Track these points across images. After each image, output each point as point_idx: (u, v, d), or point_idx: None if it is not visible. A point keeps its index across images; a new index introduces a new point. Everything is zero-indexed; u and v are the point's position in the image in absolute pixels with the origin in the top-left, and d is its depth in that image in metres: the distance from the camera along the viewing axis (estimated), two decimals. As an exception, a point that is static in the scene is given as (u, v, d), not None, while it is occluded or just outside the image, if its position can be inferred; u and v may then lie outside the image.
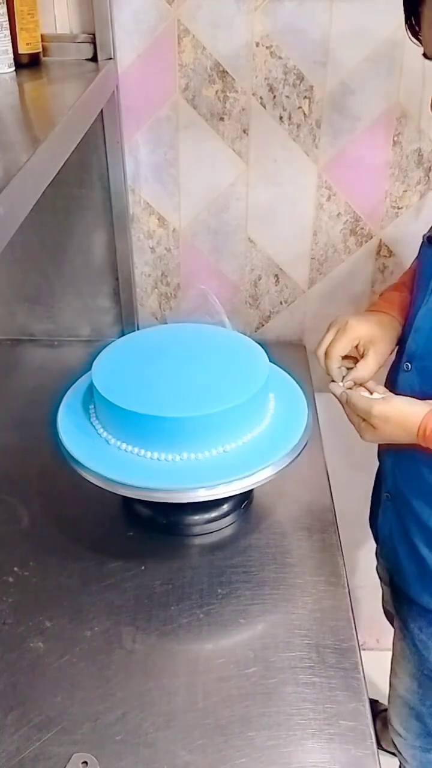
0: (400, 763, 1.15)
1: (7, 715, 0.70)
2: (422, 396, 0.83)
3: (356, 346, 0.89)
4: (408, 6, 0.76)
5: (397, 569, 0.99)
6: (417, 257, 0.94)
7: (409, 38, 0.78)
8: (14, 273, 1.28)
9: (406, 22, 0.77)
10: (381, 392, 0.86)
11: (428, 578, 0.93)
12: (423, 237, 0.90)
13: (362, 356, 0.89)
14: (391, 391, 0.89)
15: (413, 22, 0.76)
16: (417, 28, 0.76)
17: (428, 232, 0.89)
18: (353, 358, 0.91)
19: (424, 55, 0.75)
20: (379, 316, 0.93)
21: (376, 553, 1.11)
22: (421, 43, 0.76)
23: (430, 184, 1.16)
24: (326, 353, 0.89)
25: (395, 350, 0.93)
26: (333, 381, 0.88)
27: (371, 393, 0.86)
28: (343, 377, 0.88)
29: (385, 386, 0.92)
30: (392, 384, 0.92)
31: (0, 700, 0.72)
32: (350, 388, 0.87)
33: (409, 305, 0.93)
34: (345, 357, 0.90)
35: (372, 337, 0.89)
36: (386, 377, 0.94)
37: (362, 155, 1.14)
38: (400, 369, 0.89)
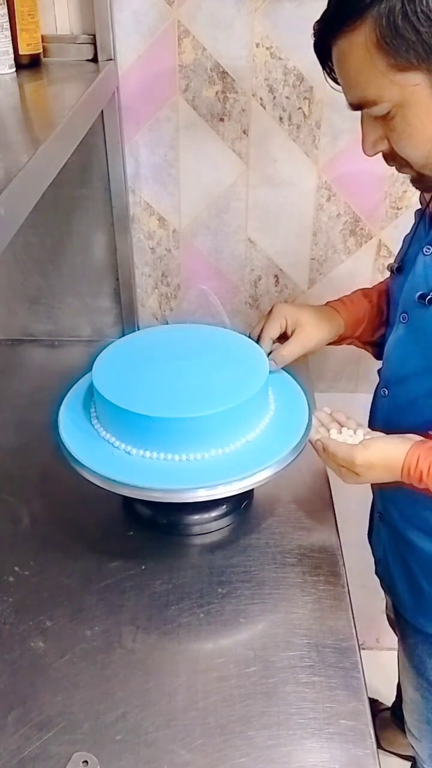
0: (416, 761, 1.15)
1: (8, 715, 0.70)
2: (397, 420, 0.84)
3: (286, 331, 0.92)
4: (321, 54, 0.68)
5: (392, 590, 1.00)
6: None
7: (330, 87, 0.71)
8: (15, 273, 1.28)
9: (323, 69, 0.70)
10: (353, 427, 0.84)
11: (422, 601, 0.93)
12: (388, 267, 0.90)
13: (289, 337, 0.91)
14: (371, 415, 0.92)
15: (331, 66, 0.68)
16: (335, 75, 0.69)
17: (393, 262, 0.89)
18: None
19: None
20: (316, 306, 0.95)
21: (376, 563, 1.11)
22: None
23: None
24: (259, 336, 0.92)
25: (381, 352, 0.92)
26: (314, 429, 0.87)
27: (347, 430, 0.85)
28: (269, 354, 0.91)
29: (370, 411, 0.94)
30: (375, 408, 0.94)
31: (0, 700, 0.72)
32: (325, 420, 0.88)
33: (367, 312, 0.95)
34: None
35: (299, 319, 0.91)
36: (371, 402, 0.95)
37: (362, 156, 1.14)
38: (380, 394, 0.91)
